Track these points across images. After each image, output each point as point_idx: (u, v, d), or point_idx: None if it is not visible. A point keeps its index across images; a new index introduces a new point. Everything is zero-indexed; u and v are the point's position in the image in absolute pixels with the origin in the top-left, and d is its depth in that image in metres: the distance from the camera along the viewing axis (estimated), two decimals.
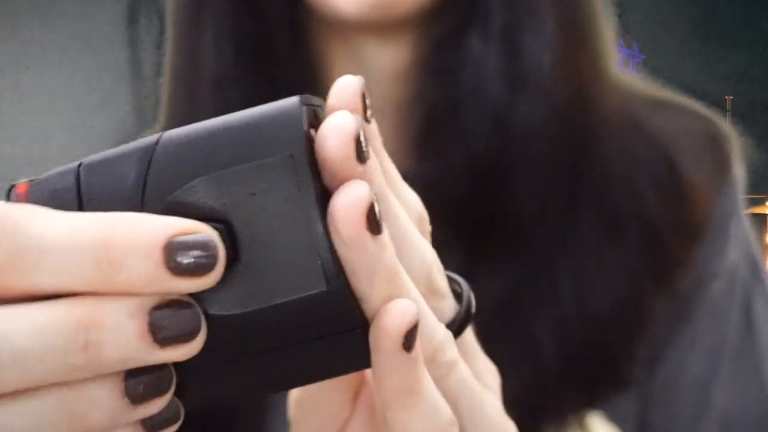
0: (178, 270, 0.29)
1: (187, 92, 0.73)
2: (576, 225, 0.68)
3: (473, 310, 0.41)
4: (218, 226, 0.31)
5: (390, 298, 0.33)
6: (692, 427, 0.70)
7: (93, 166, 0.32)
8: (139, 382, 0.30)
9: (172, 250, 0.29)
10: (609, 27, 0.73)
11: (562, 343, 0.65)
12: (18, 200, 0.32)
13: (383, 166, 0.37)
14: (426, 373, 0.35)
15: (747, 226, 0.73)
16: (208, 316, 0.31)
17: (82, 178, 0.32)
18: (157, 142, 0.32)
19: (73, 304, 0.29)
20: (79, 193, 0.32)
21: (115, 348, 0.29)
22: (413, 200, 0.40)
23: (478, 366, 0.42)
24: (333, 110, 0.34)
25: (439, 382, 0.38)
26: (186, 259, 0.29)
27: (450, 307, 0.40)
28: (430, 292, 0.38)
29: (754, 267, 0.73)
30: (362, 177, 0.32)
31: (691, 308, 0.70)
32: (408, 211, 0.39)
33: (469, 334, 0.42)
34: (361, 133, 0.32)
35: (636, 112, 0.74)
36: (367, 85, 0.71)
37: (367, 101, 0.36)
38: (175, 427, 0.32)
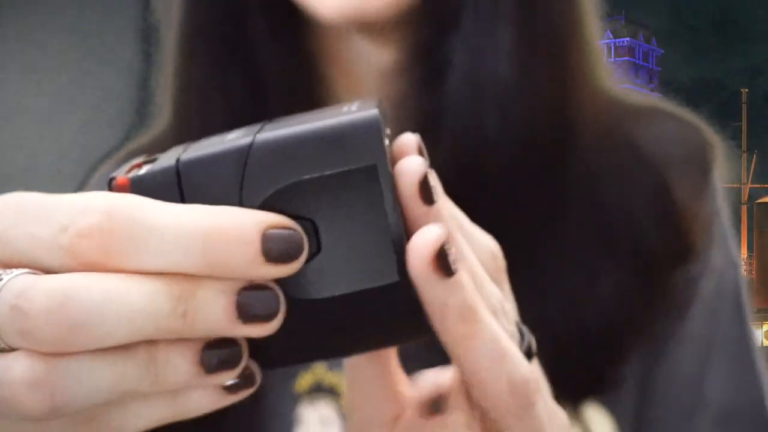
0: (270, 257, 0.33)
1: (183, 102, 0.74)
2: (563, 237, 0.68)
3: (534, 352, 0.41)
4: (305, 222, 0.34)
5: (465, 337, 0.36)
6: (688, 421, 0.70)
7: (191, 165, 0.35)
8: (213, 354, 0.33)
9: (267, 239, 0.32)
10: (596, 37, 0.72)
11: (551, 352, 0.62)
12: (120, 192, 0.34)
13: (450, 209, 0.38)
14: (482, 305, 0.37)
15: (728, 227, 0.74)
16: (291, 300, 0.34)
17: (183, 177, 0.35)
18: (250, 146, 0.35)
19: (178, 279, 0.33)
20: (181, 192, 0.35)
21: (207, 318, 0.33)
22: (484, 239, 0.41)
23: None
24: (400, 152, 0.37)
25: (528, 410, 0.38)
26: (277, 248, 0.33)
27: None
28: None
29: (737, 266, 0.74)
30: (432, 217, 0.35)
31: (683, 306, 0.71)
32: (479, 250, 0.40)
33: None
34: (430, 177, 0.35)
35: (622, 120, 0.73)
36: (355, 85, 0.73)
37: (425, 154, 0.38)
38: (250, 390, 0.35)
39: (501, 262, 0.42)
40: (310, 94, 0.73)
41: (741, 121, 50.27)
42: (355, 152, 0.34)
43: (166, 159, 0.36)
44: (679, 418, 0.71)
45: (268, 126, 0.37)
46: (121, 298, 0.32)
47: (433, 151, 0.47)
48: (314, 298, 0.35)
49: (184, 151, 0.36)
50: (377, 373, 0.42)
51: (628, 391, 0.69)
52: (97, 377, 0.32)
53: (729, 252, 0.74)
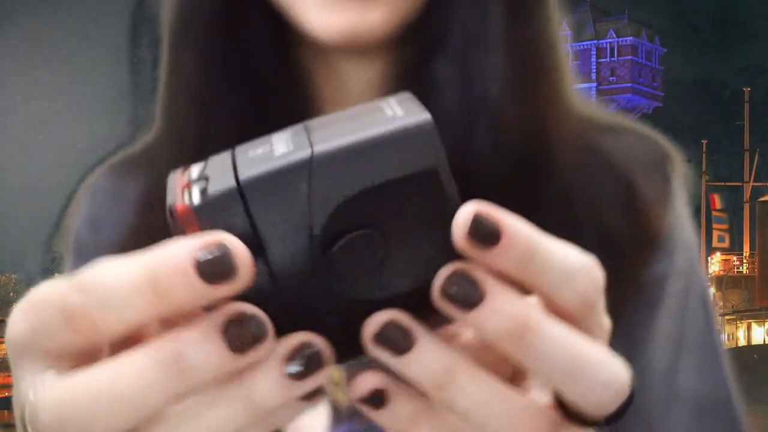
0: (207, 278, 0.33)
1: (171, 108, 0.75)
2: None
3: (631, 399, 0.40)
4: (370, 232, 0.35)
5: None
6: (665, 412, 0.73)
7: (254, 186, 0.34)
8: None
9: (199, 264, 0.33)
10: (567, 57, 0.75)
11: None
12: (184, 225, 0.35)
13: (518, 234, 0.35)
14: (537, 308, 0.36)
15: (693, 236, 0.79)
16: (357, 301, 0.35)
17: (249, 199, 0.34)
18: (311, 159, 0.34)
19: (160, 345, 0.34)
20: (249, 216, 0.34)
21: (204, 366, 0.33)
22: (573, 261, 0.37)
23: None
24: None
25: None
26: (210, 269, 0.33)
27: None
28: None
29: (699, 270, 0.78)
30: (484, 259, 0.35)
31: (653, 305, 0.75)
32: (572, 281, 0.36)
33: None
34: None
35: (591, 135, 0.77)
36: (344, 97, 0.74)
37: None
38: (319, 373, 0.35)
39: (597, 283, 0.38)
40: (301, 104, 0.73)
41: (743, 120, 50.31)
42: (415, 157, 0.34)
43: (219, 178, 0.35)
44: (657, 410, 0.73)
45: (315, 132, 0.36)
46: (112, 389, 0.33)
47: None
48: (379, 299, 0.35)
49: (233, 165, 0.35)
50: None
51: None
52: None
53: (692, 256, 0.78)
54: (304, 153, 0.35)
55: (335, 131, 0.36)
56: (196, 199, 0.35)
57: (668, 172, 0.78)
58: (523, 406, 0.36)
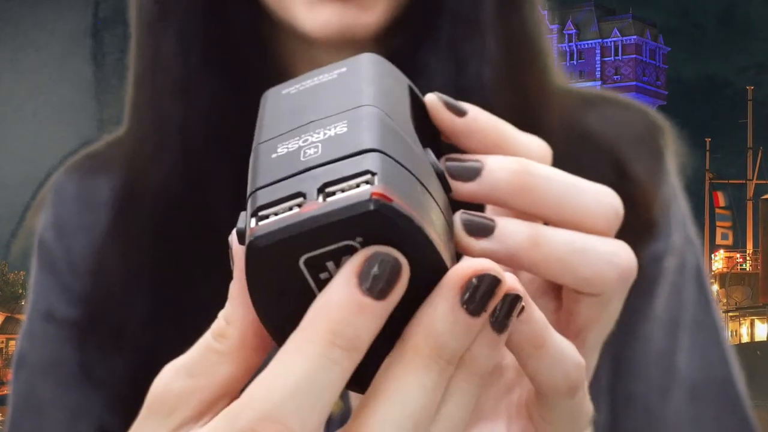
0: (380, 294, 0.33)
1: (152, 97, 0.72)
2: None
3: None
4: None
5: (529, 358, 0.37)
6: (663, 396, 0.72)
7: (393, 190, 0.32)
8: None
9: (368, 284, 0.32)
10: (550, 44, 0.75)
11: None
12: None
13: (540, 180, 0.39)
14: (549, 328, 0.37)
15: (686, 208, 0.76)
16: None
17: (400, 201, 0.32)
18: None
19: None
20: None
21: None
22: (601, 195, 0.41)
23: None
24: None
25: (576, 392, 0.38)
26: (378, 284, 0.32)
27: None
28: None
29: (696, 246, 0.76)
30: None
31: (650, 285, 0.72)
32: (595, 207, 0.40)
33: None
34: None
35: (574, 111, 0.75)
36: None
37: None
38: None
39: (619, 217, 0.42)
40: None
41: (747, 119, 50.22)
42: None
43: (356, 191, 0.32)
44: (654, 393, 0.72)
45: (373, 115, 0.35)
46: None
47: None
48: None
49: (369, 175, 0.32)
50: None
51: (601, 371, 0.66)
52: None
53: (688, 232, 0.75)
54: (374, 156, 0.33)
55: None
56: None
57: (659, 145, 0.75)
58: (611, 249, 0.40)
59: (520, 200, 0.37)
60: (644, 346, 0.72)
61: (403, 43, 0.70)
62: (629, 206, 0.72)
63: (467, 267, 0.33)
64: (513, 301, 0.34)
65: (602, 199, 0.40)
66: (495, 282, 0.33)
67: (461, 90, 0.68)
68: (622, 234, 0.71)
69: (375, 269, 0.32)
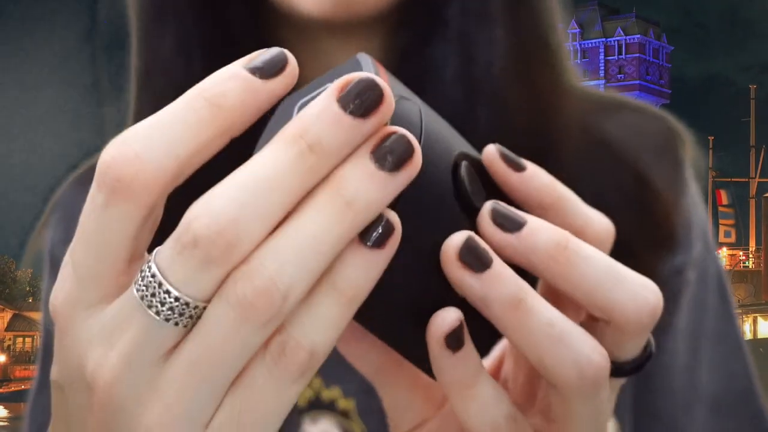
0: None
1: (153, 98, 0.70)
2: None
3: (653, 351, 0.40)
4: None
5: (516, 327, 0.36)
6: (686, 413, 0.70)
7: (430, 123, 0.36)
8: (384, 149, 0.32)
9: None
10: (564, 42, 0.72)
11: None
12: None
13: (544, 184, 0.39)
14: (484, 372, 0.37)
15: (705, 216, 0.74)
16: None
17: (423, 119, 0.36)
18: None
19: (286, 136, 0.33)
20: (421, 127, 0.35)
21: (332, 135, 0.32)
22: (597, 220, 0.40)
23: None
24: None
25: (594, 395, 0.37)
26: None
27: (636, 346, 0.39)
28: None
29: (716, 256, 0.74)
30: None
31: (672, 298, 0.69)
32: (591, 227, 0.39)
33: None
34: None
35: (592, 116, 0.72)
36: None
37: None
38: (393, 240, 0.33)
39: (654, 317, 0.39)
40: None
41: (749, 117, 50.17)
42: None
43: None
44: (678, 410, 0.70)
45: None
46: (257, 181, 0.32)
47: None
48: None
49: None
50: (407, 374, 0.42)
51: (626, 386, 0.66)
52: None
53: (708, 241, 0.73)
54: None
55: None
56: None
57: (679, 154, 0.73)
58: (584, 336, 0.37)
59: (554, 273, 0.36)
60: (667, 361, 0.70)
61: (412, 35, 0.67)
62: (651, 219, 0.69)
63: (354, 74, 0.33)
64: (400, 139, 0.33)
65: (639, 296, 0.38)
66: (372, 86, 0.32)
67: (471, 86, 0.66)
68: (643, 248, 0.68)
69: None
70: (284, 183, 0.32)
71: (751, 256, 46.62)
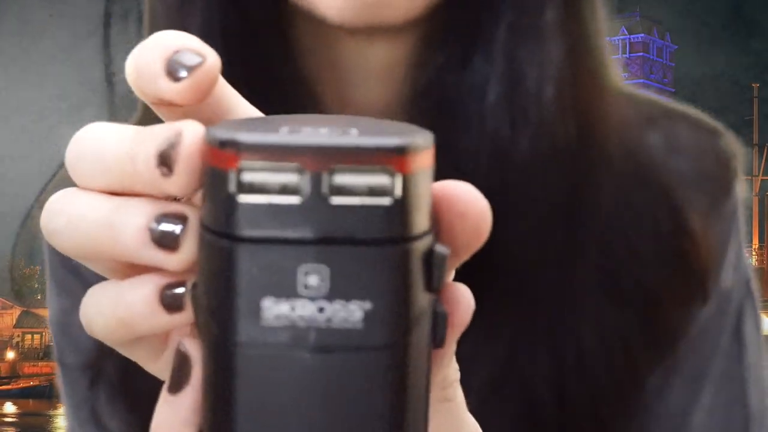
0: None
1: None
2: (573, 280, 0.61)
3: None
4: None
5: None
6: None
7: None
8: (160, 226, 0.31)
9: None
10: (610, 50, 0.65)
11: (561, 403, 0.61)
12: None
13: None
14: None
15: (742, 243, 0.66)
16: None
17: None
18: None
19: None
20: None
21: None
22: None
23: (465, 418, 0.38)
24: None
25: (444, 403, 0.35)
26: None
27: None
28: None
29: (747, 285, 0.66)
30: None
31: (675, 338, 0.64)
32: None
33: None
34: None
35: (637, 133, 0.65)
36: (343, 86, 0.64)
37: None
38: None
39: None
40: (293, 92, 0.63)
41: (752, 115, 50.19)
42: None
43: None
44: None
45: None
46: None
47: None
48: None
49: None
50: None
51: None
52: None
53: (739, 274, 0.66)
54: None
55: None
56: None
57: (727, 178, 0.65)
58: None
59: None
60: (657, 401, 0.64)
61: (448, 52, 0.60)
62: (682, 265, 0.62)
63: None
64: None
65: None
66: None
67: (517, 111, 0.59)
68: (672, 297, 0.62)
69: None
70: None
71: (754, 253, 46.65)
